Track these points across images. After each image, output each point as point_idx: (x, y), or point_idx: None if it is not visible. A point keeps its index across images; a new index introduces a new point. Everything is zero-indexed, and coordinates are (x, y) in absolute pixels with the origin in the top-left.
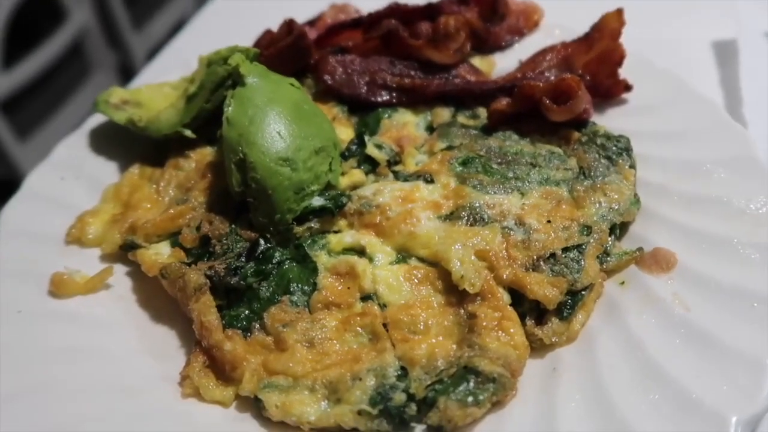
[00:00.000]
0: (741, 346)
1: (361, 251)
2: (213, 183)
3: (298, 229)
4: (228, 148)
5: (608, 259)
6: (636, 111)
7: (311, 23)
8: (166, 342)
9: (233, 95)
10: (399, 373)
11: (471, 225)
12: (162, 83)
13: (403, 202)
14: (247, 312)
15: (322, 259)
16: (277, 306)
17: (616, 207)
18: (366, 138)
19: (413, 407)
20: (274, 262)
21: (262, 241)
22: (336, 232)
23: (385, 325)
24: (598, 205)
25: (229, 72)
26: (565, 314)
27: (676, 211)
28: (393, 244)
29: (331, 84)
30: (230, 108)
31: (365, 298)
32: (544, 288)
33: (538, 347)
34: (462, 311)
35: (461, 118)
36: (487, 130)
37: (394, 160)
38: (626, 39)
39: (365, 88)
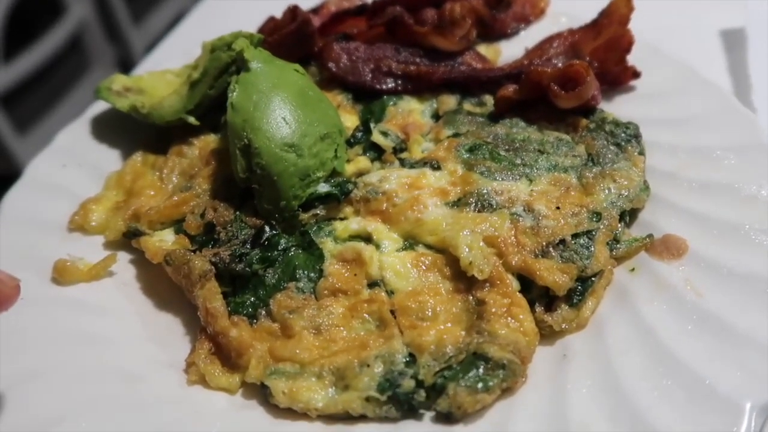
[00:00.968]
0: (754, 332)
1: (367, 238)
2: (217, 170)
3: (304, 216)
4: (233, 134)
5: (618, 246)
6: (645, 98)
7: (315, 11)
8: (171, 329)
9: (237, 81)
10: (407, 359)
11: (479, 211)
12: (164, 70)
13: (409, 189)
14: (252, 299)
15: (328, 245)
16: (284, 292)
17: (626, 193)
18: (371, 125)
19: (422, 394)
20: (279, 248)
21: (267, 228)
22: (342, 219)
23: (392, 312)
24: (607, 191)
25: (232, 58)
26: (575, 301)
27: (686, 198)
28: (400, 230)
29: (335, 71)
30: (235, 93)
31: (372, 284)
32: (554, 274)
33: (547, 334)
34: (471, 298)
35: (467, 106)
36: (494, 118)
37: (400, 148)
38: (634, 27)
39: (370, 75)
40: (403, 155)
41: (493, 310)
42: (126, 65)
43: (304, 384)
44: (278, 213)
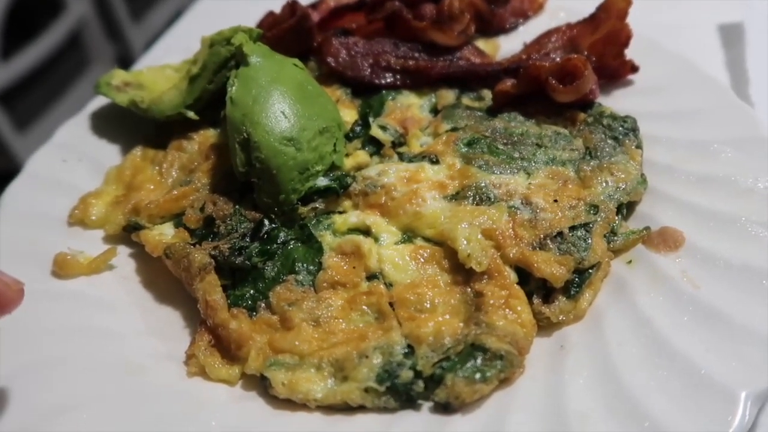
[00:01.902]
0: (751, 323)
1: (366, 231)
2: (216, 164)
3: (303, 210)
4: (232, 128)
5: (615, 238)
6: (643, 92)
7: (314, 6)
8: (171, 322)
9: (237, 75)
10: (406, 351)
11: (477, 204)
12: (164, 65)
13: (408, 183)
14: (252, 291)
15: (327, 239)
16: (283, 285)
17: (623, 186)
18: (370, 119)
19: (420, 384)
20: (279, 242)
21: (266, 222)
22: (341, 212)
23: (391, 305)
24: (604, 184)
25: (231, 52)
26: (572, 293)
27: (684, 191)
28: (398, 224)
29: (334, 66)
30: (234, 87)
31: (371, 277)
32: (551, 266)
33: (545, 325)
34: (469, 290)
35: (466, 100)
36: (492, 112)
37: (399, 142)
38: (632, 21)
39: (369, 70)
40: (402, 149)
41: (491, 301)
42: (126, 62)
43: (304, 375)
44: (277, 206)
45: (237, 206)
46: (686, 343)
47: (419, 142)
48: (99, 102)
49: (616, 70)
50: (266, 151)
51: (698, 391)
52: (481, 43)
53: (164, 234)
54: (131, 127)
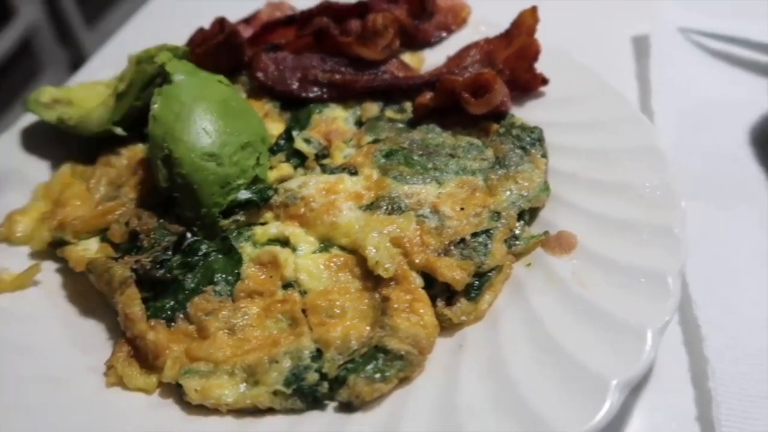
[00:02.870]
0: (627, 317)
1: (285, 242)
2: (143, 179)
3: (225, 222)
4: (154, 145)
5: (517, 243)
6: (552, 103)
7: (247, 21)
8: (94, 335)
9: (160, 93)
10: (314, 354)
11: (389, 214)
12: (95, 82)
13: (326, 194)
14: (172, 303)
15: (247, 250)
16: (201, 296)
17: (526, 194)
18: (294, 133)
19: (325, 386)
20: (200, 254)
21: (189, 234)
22: (262, 224)
23: (304, 311)
24: (509, 192)
25: (157, 70)
26: (472, 295)
27: (583, 197)
28: (316, 234)
29: (263, 80)
30: (156, 105)
31: (287, 286)
32: (453, 271)
33: (447, 326)
34: (377, 295)
35: (389, 113)
36: (413, 124)
37: (323, 154)
38: (550, 35)
39: (297, 84)
40: (326, 161)
41: (396, 305)
42: (79, 68)
43: (217, 381)
44: (199, 220)
45: (161, 220)
46: (569, 340)
47: (343, 154)
48: (29, 119)
49: (527, 83)
50: (187, 167)
51: (574, 381)
52: (407, 57)
53: (88, 249)
54: (62, 143)
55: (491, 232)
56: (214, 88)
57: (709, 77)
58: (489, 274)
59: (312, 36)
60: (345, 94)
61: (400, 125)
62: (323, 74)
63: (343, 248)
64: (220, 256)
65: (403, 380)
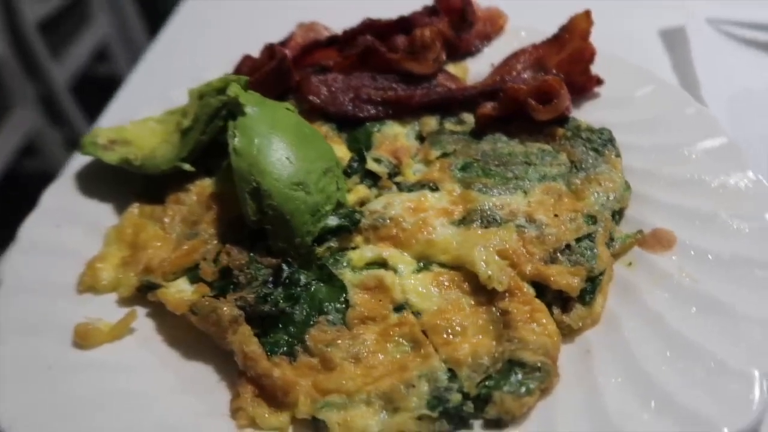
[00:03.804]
0: (748, 308)
1: (382, 264)
2: (220, 214)
3: (319, 250)
4: (240, 179)
5: (613, 243)
6: (610, 103)
7: (282, 44)
8: (203, 378)
9: (236, 126)
10: (448, 375)
11: (485, 227)
12: (146, 119)
13: (414, 212)
14: (286, 337)
15: (347, 276)
16: (317, 327)
17: (613, 195)
18: (365, 153)
19: (470, 405)
20: (301, 284)
21: (285, 266)
22: (354, 248)
23: (423, 332)
24: (596, 195)
25: (223, 102)
26: (587, 299)
27: (665, 193)
28: (412, 253)
29: (317, 103)
30: (236, 139)
31: (398, 308)
32: (566, 278)
33: (566, 333)
34: (494, 309)
35: (448, 125)
36: (476, 134)
37: (394, 172)
38: None
39: (351, 104)
40: (398, 179)
41: (518, 318)
42: (49, 101)
43: (356, 412)
44: (293, 250)
45: (251, 254)
46: (698, 333)
47: (412, 170)
48: (78, 162)
49: (583, 85)
50: (278, 198)
51: (719, 376)
52: (451, 68)
53: (182, 290)
54: (118, 183)
55: (593, 235)
56: (284, 116)
57: (748, 65)
58: (599, 277)
59: (359, 54)
60: (400, 111)
61: (464, 137)
62: (376, 92)
63: (443, 265)
64: (321, 284)
65: (544, 391)
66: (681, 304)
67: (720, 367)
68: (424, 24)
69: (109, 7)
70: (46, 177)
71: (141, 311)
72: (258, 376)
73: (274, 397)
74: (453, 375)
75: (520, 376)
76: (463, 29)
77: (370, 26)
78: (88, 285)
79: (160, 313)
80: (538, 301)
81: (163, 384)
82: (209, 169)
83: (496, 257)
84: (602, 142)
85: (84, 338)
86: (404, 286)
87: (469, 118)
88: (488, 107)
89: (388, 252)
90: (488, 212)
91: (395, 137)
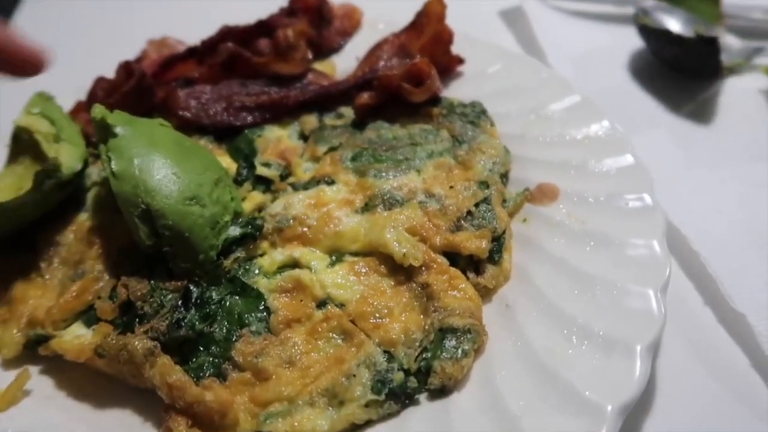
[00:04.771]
0: (631, 235)
1: (294, 264)
2: (105, 246)
3: (226, 263)
4: (126, 203)
5: (506, 204)
6: (473, 79)
7: (137, 61)
8: (124, 425)
9: (109, 149)
10: (386, 357)
11: (389, 209)
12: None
13: (316, 208)
14: (210, 358)
15: (261, 283)
16: (241, 340)
17: (497, 160)
18: (254, 160)
19: (413, 380)
20: (214, 302)
21: (192, 287)
22: (261, 255)
23: (351, 322)
24: (482, 162)
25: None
26: (496, 259)
27: (539, 152)
28: (323, 248)
29: (189, 117)
30: (113, 162)
31: (321, 305)
32: (474, 242)
33: (484, 294)
34: (414, 285)
35: (328, 120)
36: (358, 125)
37: (285, 174)
38: None
39: (225, 114)
40: (291, 180)
41: (438, 288)
42: None
43: (302, 416)
44: (198, 268)
45: (152, 282)
46: (596, 267)
47: (303, 169)
48: None
49: (447, 65)
50: (172, 216)
51: (619, 298)
52: (319, 65)
53: (80, 335)
54: None
55: (489, 199)
56: (161, 132)
57: (580, 32)
58: (502, 236)
59: (222, 63)
60: (278, 113)
61: (347, 129)
62: (248, 98)
63: (356, 254)
64: (236, 297)
65: (477, 351)
66: (576, 245)
67: (621, 292)
68: (284, 25)
69: None
70: None
71: (34, 369)
72: (189, 405)
73: (211, 422)
74: (390, 356)
75: (453, 341)
76: (322, 27)
77: (229, 33)
78: None
79: (58, 367)
80: (453, 269)
81: None
82: (77, 205)
83: (407, 235)
84: (476, 114)
85: None
86: (322, 281)
87: (347, 111)
88: (365, 97)
89: (298, 252)
90: (388, 195)
91: (279, 140)
